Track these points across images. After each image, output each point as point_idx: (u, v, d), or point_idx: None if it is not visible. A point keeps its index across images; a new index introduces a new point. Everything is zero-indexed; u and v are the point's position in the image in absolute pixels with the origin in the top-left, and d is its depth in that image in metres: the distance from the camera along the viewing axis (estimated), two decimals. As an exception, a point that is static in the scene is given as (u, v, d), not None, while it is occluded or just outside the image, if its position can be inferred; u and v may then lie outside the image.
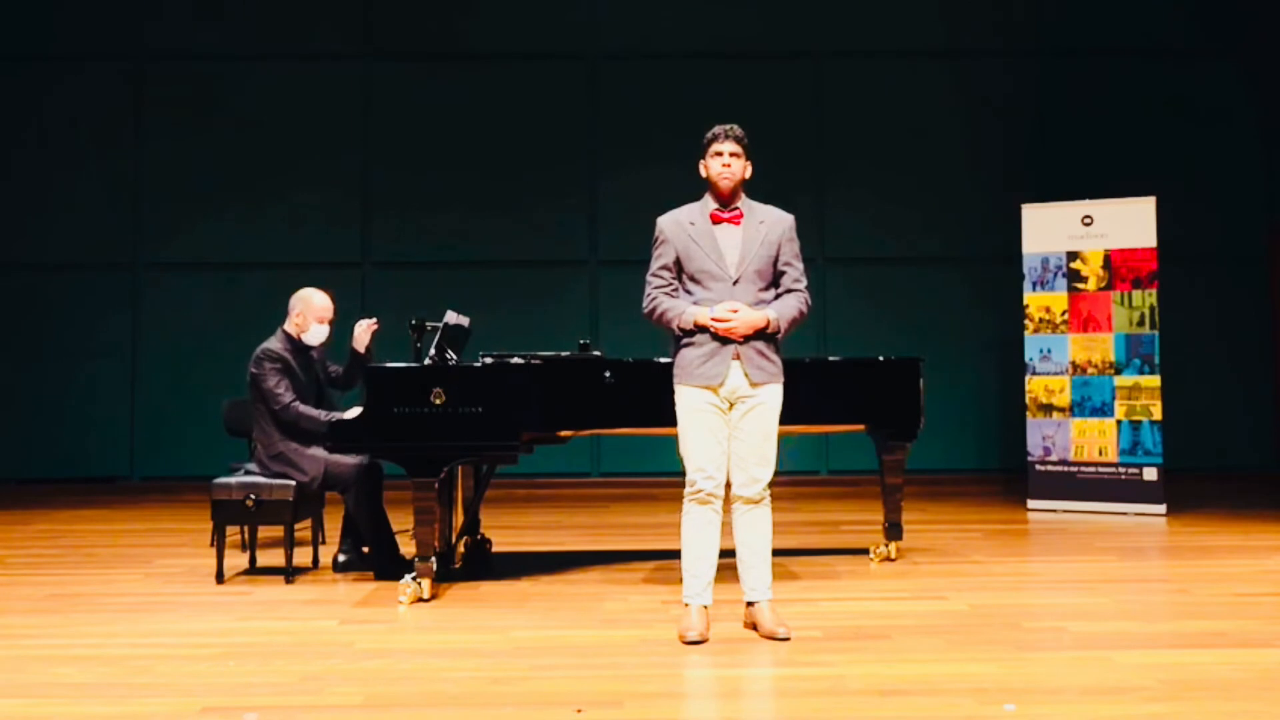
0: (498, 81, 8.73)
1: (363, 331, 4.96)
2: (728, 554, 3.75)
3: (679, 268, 3.73)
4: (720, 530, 3.71)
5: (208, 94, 8.67)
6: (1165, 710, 2.92)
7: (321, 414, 4.67)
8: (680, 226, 3.73)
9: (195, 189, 8.59)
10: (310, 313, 4.85)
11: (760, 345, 3.67)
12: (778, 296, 3.74)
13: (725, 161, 3.69)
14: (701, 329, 3.64)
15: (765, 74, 8.78)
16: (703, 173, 3.76)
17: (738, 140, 3.72)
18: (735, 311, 3.61)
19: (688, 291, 3.72)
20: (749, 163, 3.75)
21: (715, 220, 3.72)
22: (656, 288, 3.75)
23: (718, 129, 3.74)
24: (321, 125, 8.68)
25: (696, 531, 3.69)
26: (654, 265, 3.77)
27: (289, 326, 4.85)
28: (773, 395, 3.70)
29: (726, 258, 3.68)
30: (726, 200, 3.73)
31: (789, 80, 8.81)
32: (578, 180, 8.71)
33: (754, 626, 3.72)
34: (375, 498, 4.86)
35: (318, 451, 4.68)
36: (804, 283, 3.77)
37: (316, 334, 4.88)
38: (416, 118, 8.72)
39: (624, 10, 8.81)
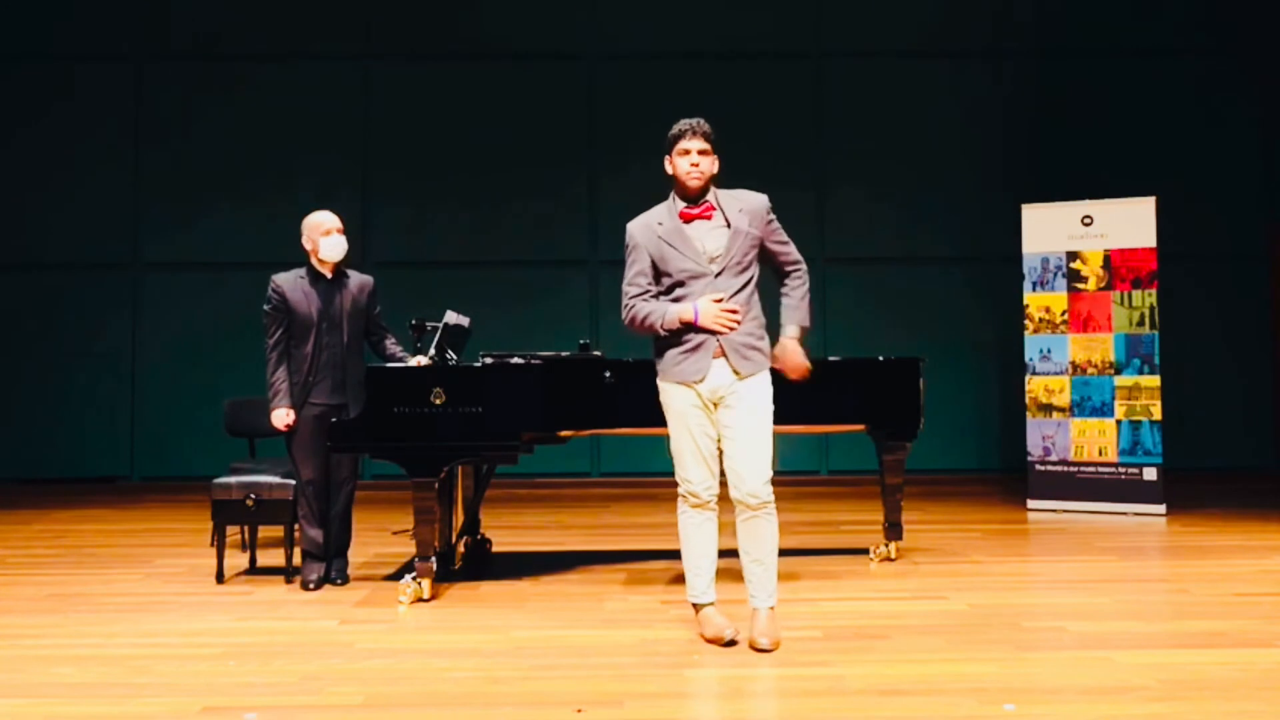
0: (497, 81, 8.72)
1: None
2: (729, 554, 3.74)
3: (656, 271, 3.64)
4: (717, 527, 3.69)
5: (208, 94, 8.67)
6: (1165, 710, 2.92)
7: (280, 387, 4.53)
8: (650, 230, 3.64)
9: (195, 189, 8.59)
10: (313, 232, 4.69)
11: (745, 334, 3.56)
12: (781, 280, 3.70)
13: (694, 160, 3.57)
14: (688, 325, 3.54)
15: (765, 74, 8.78)
16: (668, 169, 3.64)
17: (705, 137, 3.60)
18: (718, 300, 3.52)
19: (668, 292, 3.62)
20: (717, 158, 3.64)
21: (685, 219, 3.61)
22: (633, 296, 3.65)
23: (684, 124, 3.60)
24: (321, 125, 8.67)
25: (694, 532, 3.66)
26: (629, 274, 3.66)
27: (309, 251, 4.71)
28: (760, 387, 3.57)
29: (703, 253, 3.58)
30: (695, 197, 3.63)
31: (789, 80, 8.81)
32: (578, 180, 8.71)
33: None
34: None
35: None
36: (796, 254, 3.73)
37: (329, 248, 4.66)
38: (416, 118, 8.71)
39: (624, 10, 8.80)
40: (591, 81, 8.78)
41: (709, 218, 3.62)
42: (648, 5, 8.82)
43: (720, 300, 3.53)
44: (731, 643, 3.56)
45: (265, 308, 4.62)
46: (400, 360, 4.72)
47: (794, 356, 3.59)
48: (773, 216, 3.68)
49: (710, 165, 3.62)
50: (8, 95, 8.64)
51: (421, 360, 4.56)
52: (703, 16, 8.79)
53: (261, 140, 8.61)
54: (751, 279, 3.63)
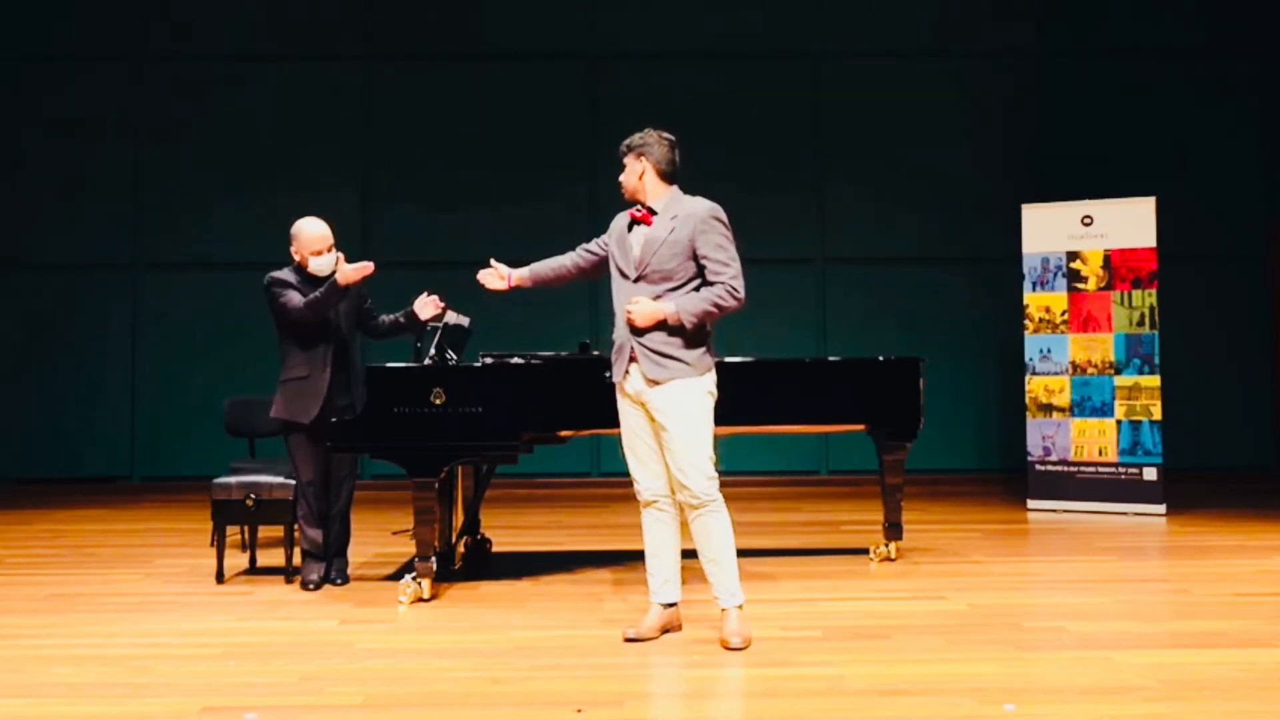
0: (498, 81, 8.72)
1: (424, 304, 4.73)
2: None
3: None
4: (674, 527, 3.72)
5: (208, 94, 8.67)
6: (1165, 710, 2.92)
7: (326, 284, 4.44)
8: (618, 222, 3.83)
9: (195, 189, 8.58)
10: (304, 248, 4.62)
11: (658, 340, 3.61)
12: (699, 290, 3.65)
13: (622, 175, 3.81)
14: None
15: (765, 74, 8.77)
16: None
17: (625, 150, 3.80)
18: (636, 303, 3.64)
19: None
20: (646, 164, 3.74)
21: (632, 219, 3.77)
22: (582, 246, 4.08)
23: None
24: (321, 125, 8.67)
25: (646, 531, 3.75)
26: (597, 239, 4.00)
27: (296, 257, 4.65)
28: (677, 395, 3.59)
29: (630, 257, 3.72)
30: (638, 203, 3.78)
31: (789, 80, 8.80)
32: (577, 180, 8.70)
33: None
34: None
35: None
36: (728, 273, 3.60)
37: (319, 265, 4.60)
38: (416, 117, 8.71)
39: (624, 10, 8.80)
40: (592, 81, 8.78)
41: (649, 223, 3.72)
42: (648, 5, 8.82)
43: (637, 303, 3.64)
44: (630, 639, 3.61)
45: (273, 289, 4.55)
46: (395, 320, 4.77)
47: (643, 305, 3.63)
48: (713, 227, 3.63)
49: (628, 176, 3.80)
50: (8, 95, 8.64)
51: (424, 296, 4.71)
52: (703, 16, 8.78)
53: (261, 140, 8.60)
54: (677, 289, 3.63)
